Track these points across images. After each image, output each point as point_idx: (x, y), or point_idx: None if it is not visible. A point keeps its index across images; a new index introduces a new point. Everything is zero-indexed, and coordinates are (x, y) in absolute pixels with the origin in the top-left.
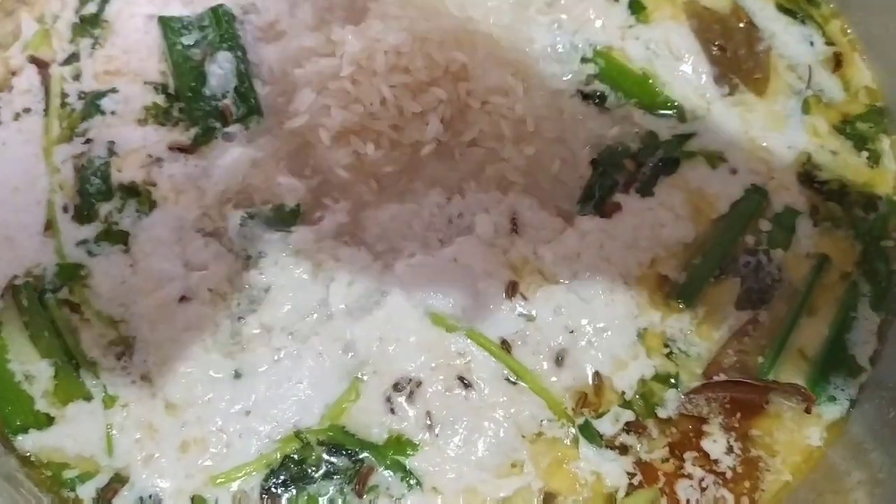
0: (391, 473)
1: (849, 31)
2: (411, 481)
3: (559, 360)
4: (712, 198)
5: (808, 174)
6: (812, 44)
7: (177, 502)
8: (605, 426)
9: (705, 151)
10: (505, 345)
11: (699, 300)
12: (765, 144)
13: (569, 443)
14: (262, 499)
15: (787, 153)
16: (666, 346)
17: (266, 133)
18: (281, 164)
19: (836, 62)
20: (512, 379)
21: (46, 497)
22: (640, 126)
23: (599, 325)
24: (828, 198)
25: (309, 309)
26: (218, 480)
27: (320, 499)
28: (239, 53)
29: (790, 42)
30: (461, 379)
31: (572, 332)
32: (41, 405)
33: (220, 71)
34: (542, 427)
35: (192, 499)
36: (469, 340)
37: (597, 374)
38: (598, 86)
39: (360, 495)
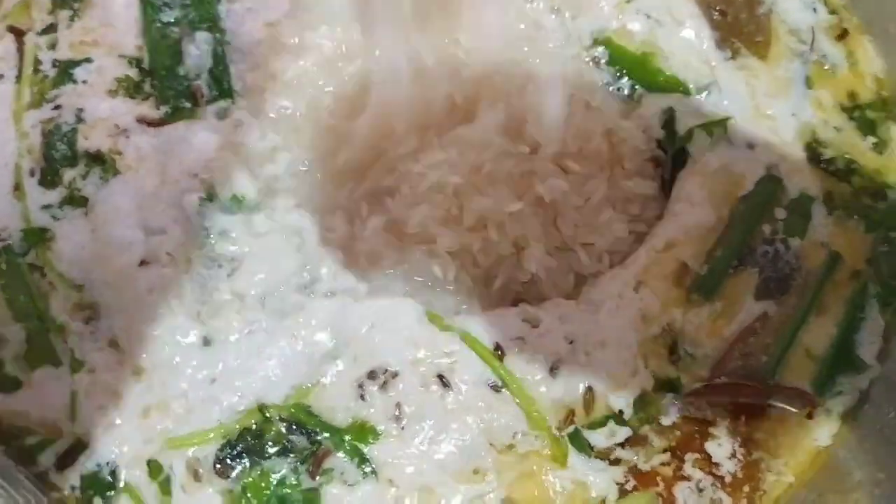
0: (348, 459)
1: (852, 15)
2: (367, 469)
3: (553, 370)
4: (738, 178)
5: (813, 151)
6: (815, 10)
7: (133, 469)
8: (598, 439)
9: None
10: (499, 350)
11: (719, 293)
12: (770, 112)
13: (546, 454)
14: (214, 467)
15: (792, 121)
16: (672, 350)
17: (236, 118)
18: (244, 153)
19: (842, 31)
20: (497, 386)
21: (45, 496)
22: (653, 116)
23: (599, 337)
24: (833, 175)
25: (287, 282)
26: (174, 444)
27: (272, 476)
28: (218, 35)
29: (791, 9)
30: (440, 377)
31: (571, 342)
32: (10, 369)
33: (196, 51)
34: (515, 440)
35: (148, 463)
36: (461, 342)
37: (589, 389)
38: (604, 75)
39: (313, 476)
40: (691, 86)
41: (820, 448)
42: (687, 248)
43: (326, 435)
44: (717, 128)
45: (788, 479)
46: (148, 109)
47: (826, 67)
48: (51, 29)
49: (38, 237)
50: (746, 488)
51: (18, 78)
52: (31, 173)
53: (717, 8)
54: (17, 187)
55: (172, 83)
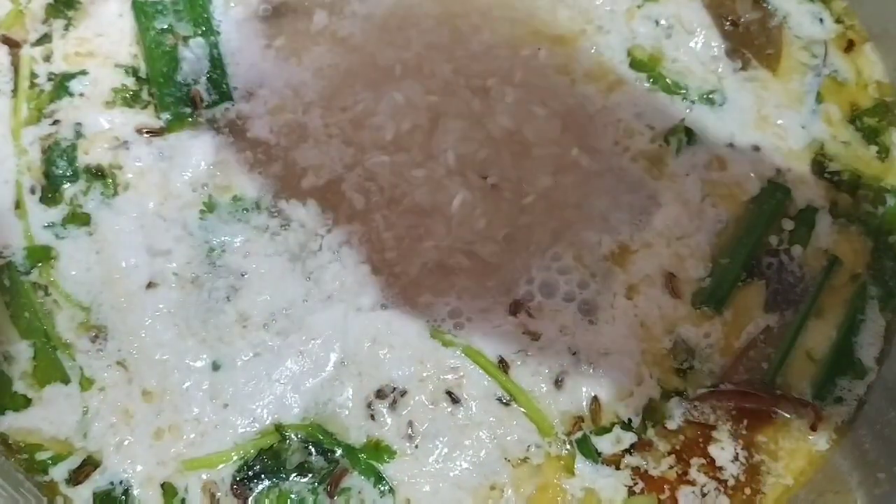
0: (365, 478)
1: (854, 22)
2: (384, 488)
3: (559, 382)
4: (740, 179)
5: (819, 164)
6: (822, 21)
7: (147, 489)
8: (605, 445)
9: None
10: (503, 364)
11: (727, 305)
12: (780, 122)
13: (560, 464)
14: (232, 490)
15: (802, 134)
16: (680, 362)
17: (236, 120)
18: (246, 155)
19: (848, 43)
20: (505, 399)
21: (46, 497)
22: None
23: (602, 347)
24: (839, 188)
25: (290, 300)
26: (190, 466)
27: (291, 496)
28: (212, 39)
29: (804, 22)
30: (449, 394)
31: (575, 353)
32: (19, 387)
33: (192, 56)
34: (529, 452)
35: (163, 486)
36: (465, 357)
37: (595, 399)
38: None
39: (331, 496)
40: (692, 91)
41: (821, 451)
42: (665, 251)
43: (342, 452)
44: (674, 136)
45: (787, 482)
46: (147, 118)
47: (839, 81)
48: (45, 39)
49: (41, 255)
50: (748, 490)
51: (14, 92)
52: (32, 191)
53: (729, 18)
54: (18, 205)
55: (171, 89)
